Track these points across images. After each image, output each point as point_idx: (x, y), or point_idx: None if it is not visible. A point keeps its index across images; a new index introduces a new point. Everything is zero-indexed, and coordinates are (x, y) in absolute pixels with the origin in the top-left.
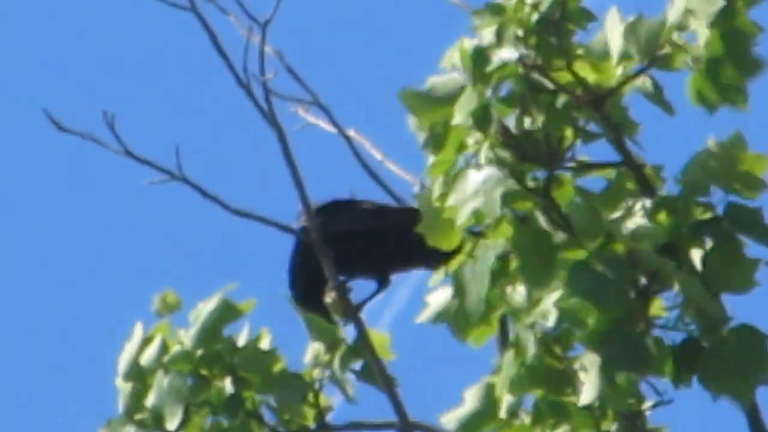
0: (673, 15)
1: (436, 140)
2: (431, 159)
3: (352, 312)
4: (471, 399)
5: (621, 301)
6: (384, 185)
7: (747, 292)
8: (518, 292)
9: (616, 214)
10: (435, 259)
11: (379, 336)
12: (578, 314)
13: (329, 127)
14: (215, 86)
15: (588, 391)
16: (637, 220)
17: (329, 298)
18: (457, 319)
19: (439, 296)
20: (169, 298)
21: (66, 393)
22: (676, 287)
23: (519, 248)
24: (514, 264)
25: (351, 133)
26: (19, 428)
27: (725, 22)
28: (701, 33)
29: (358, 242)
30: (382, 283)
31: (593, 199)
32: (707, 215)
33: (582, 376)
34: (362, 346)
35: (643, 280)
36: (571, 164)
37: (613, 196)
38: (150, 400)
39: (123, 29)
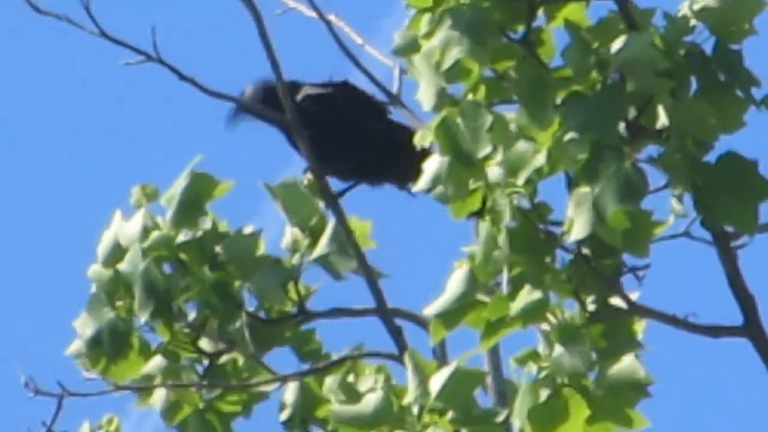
0: None
1: None
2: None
3: (329, 196)
4: (453, 284)
5: (615, 128)
6: (363, 69)
7: (734, 131)
8: (495, 169)
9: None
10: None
11: (360, 224)
12: (568, 150)
13: (309, 12)
14: None
15: (579, 227)
16: (633, 48)
17: (306, 180)
18: (449, 176)
19: (433, 162)
20: (148, 189)
21: (45, 286)
22: (665, 118)
23: (518, 86)
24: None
25: (331, 17)
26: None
27: None
28: None
29: (337, 131)
30: (358, 180)
31: (584, 33)
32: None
33: (571, 212)
34: (341, 232)
35: (633, 112)
36: None
37: (601, 33)
38: (124, 268)
39: None
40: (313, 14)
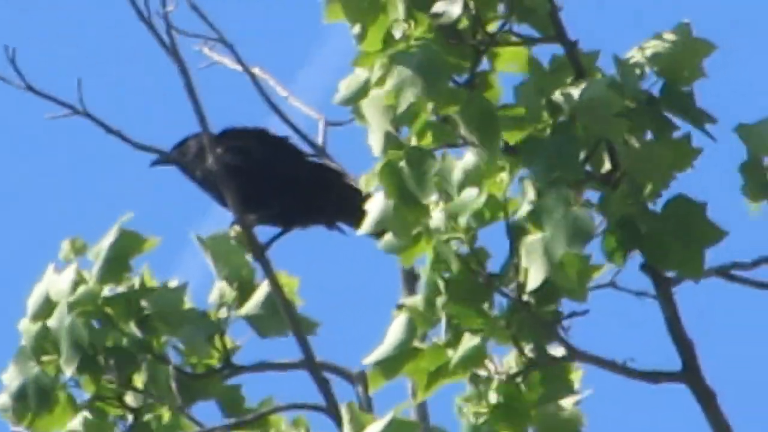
0: None
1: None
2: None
3: (257, 248)
4: (394, 332)
5: (578, 167)
6: (288, 122)
7: (682, 171)
8: (437, 215)
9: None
10: (337, 217)
11: (288, 280)
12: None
13: (234, 65)
14: (118, 20)
15: (535, 275)
16: (591, 92)
17: (233, 232)
18: (394, 220)
19: (377, 204)
20: (77, 244)
21: None
22: (616, 162)
23: (466, 119)
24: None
25: (255, 70)
26: None
27: None
28: None
29: (259, 178)
30: (287, 226)
31: (541, 76)
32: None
33: (525, 261)
34: (269, 286)
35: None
36: (503, 40)
37: (551, 76)
38: (52, 323)
39: None
40: (238, 67)
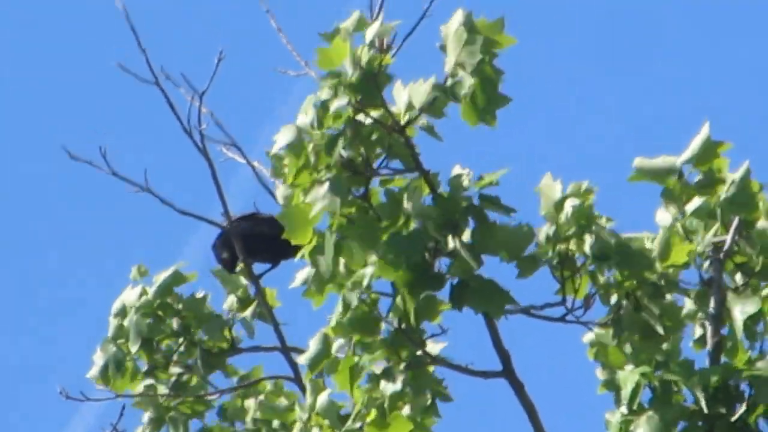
0: (447, 67)
1: (295, 167)
2: (291, 180)
3: (254, 277)
4: (313, 344)
5: (420, 253)
6: (274, 196)
7: (496, 255)
8: (343, 271)
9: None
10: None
11: (270, 291)
12: (389, 270)
13: (242, 159)
14: (171, 133)
15: (413, 318)
16: (422, 207)
17: (239, 267)
18: (313, 281)
19: (303, 272)
20: (141, 269)
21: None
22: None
23: (355, 231)
24: (344, 246)
25: (255, 163)
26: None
27: (481, 70)
28: (467, 79)
29: (257, 238)
30: (273, 264)
31: (396, 195)
32: (468, 204)
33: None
34: (259, 298)
35: (432, 244)
36: (383, 172)
37: (410, 192)
38: (125, 322)
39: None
40: (243, 161)
